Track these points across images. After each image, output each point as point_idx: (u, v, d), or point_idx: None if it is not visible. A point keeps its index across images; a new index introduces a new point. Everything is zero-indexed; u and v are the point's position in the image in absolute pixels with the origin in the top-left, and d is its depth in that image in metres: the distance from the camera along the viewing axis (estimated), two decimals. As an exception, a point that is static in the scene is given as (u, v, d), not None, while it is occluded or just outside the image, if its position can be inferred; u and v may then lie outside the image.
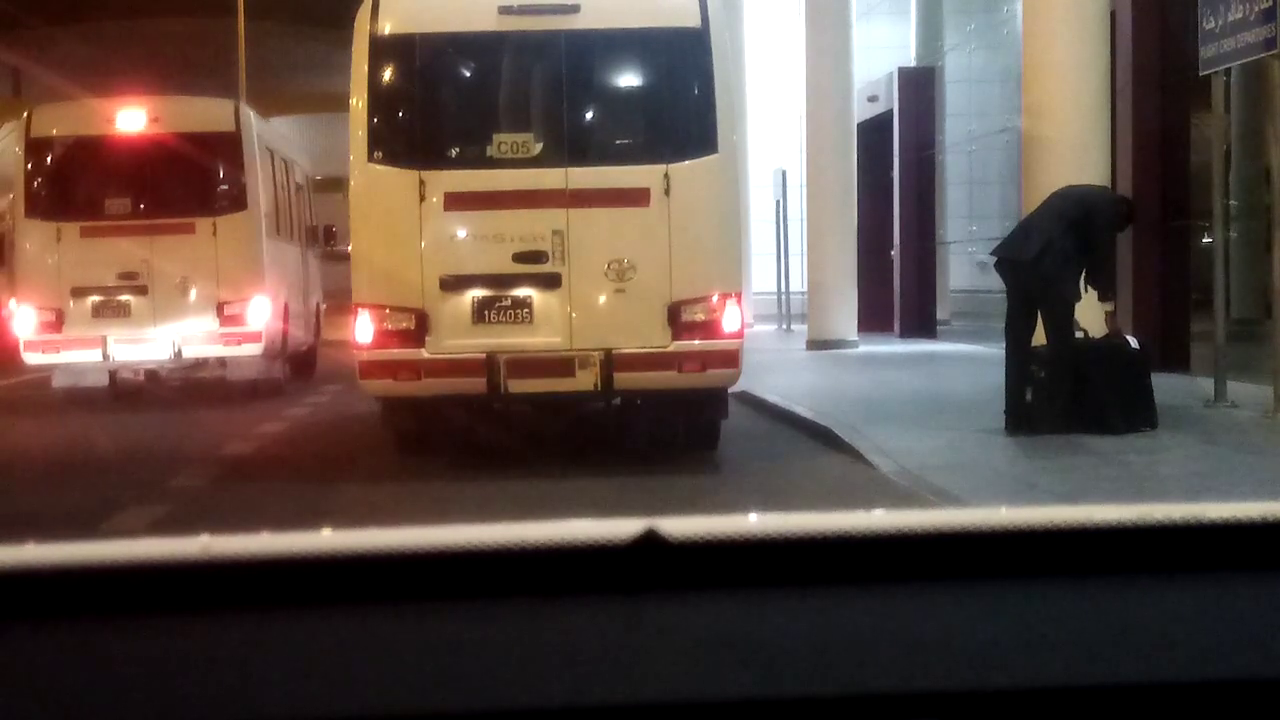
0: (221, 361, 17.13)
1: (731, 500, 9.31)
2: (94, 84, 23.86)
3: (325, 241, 20.81)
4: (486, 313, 10.56)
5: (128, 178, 16.91)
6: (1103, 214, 11.61)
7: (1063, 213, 11.46)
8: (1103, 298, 11.61)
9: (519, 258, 10.49)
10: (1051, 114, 12.72)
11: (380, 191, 10.72)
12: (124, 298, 16.61)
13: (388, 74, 10.79)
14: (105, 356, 16.61)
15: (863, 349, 22.05)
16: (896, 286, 25.00)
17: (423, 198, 10.52)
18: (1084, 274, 11.51)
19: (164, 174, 16.90)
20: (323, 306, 21.54)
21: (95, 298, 16.56)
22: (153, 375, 18.10)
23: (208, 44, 37.80)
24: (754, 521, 1.33)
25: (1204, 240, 16.53)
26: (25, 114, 17.53)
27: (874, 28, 28.87)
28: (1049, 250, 11.30)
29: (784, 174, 28.03)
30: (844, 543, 1.31)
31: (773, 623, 1.25)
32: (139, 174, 16.86)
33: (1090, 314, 12.04)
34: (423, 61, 10.91)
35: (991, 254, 12.25)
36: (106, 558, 1.27)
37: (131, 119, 16.99)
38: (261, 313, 16.78)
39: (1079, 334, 11.62)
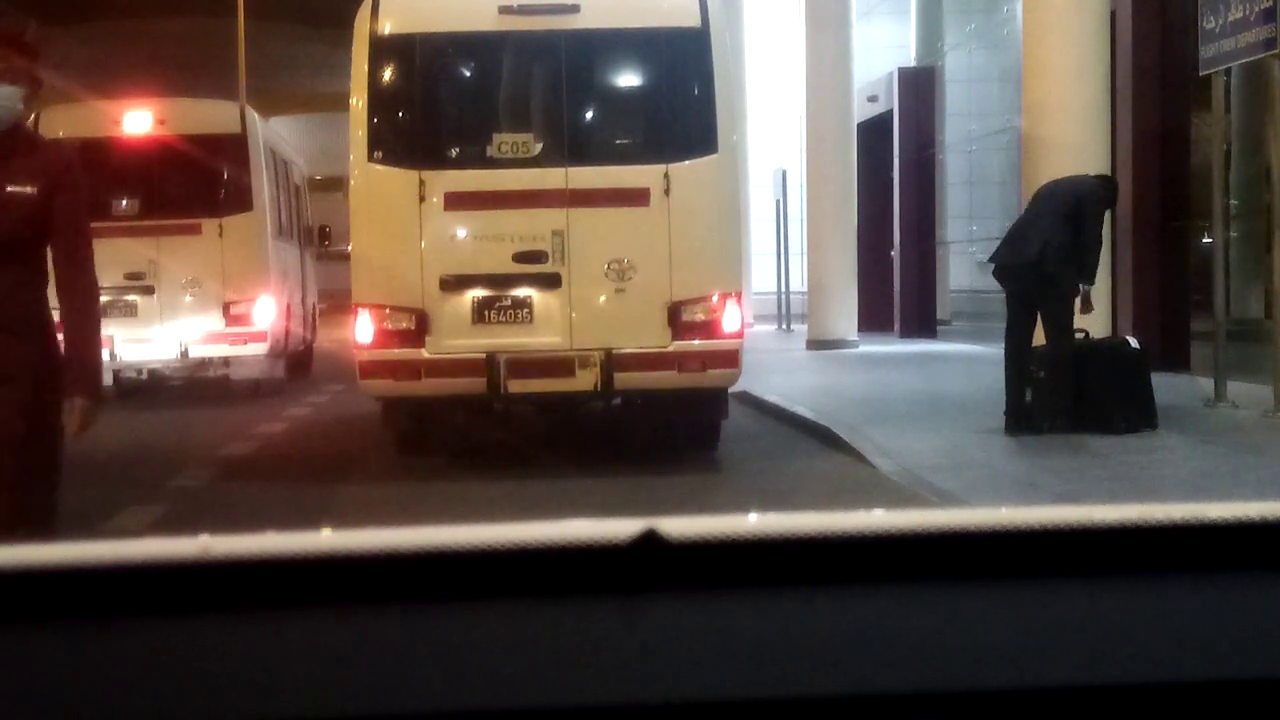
0: (225, 361, 17.19)
1: (731, 500, 9.31)
2: (94, 84, 23.85)
3: (320, 241, 20.87)
4: (486, 313, 10.56)
5: (134, 179, 16.98)
6: (1092, 200, 11.58)
7: (1055, 209, 11.45)
8: (1086, 280, 11.57)
9: (519, 258, 10.50)
10: (1051, 114, 12.74)
11: (380, 191, 10.72)
12: (131, 298, 16.68)
13: (388, 74, 10.79)
14: (112, 356, 16.67)
15: (863, 349, 22.05)
16: (896, 286, 25.01)
17: (423, 198, 10.52)
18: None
19: (170, 175, 16.98)
20: (319, 306, 21.60)
21: (102, 298, 16.57)
22: (156, 374, 18.14)
23: (207, 44, 37.79)
24: (754, 521, 1.33)
25: (1204, 240, 16.53)
26: (33, 116, 17.55)
27: (874, 28, 28.86)
28: (1048, 249, 11.31)
29: (784, 174, 28.03)
30: (844, 543, 1.30)
31: (773, 623, 1.25)
32: (145, 175, 16.93)
33: (1090, 314, 12.04)
34: (423, 61, 10.91)
35: (989, 261, 12.22)
36: (106, 558, 1.27)
37: (138, 121, 17.07)
38: (267, 312, 16.87)
39: (1079, 334, 11.63)
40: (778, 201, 28.12)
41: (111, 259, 16.56)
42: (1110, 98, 14.34)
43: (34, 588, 1.24)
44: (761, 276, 29.29)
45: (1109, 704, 1.19)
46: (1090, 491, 9.03)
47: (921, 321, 24.75)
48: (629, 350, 10.52)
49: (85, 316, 5.49)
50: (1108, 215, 13.47)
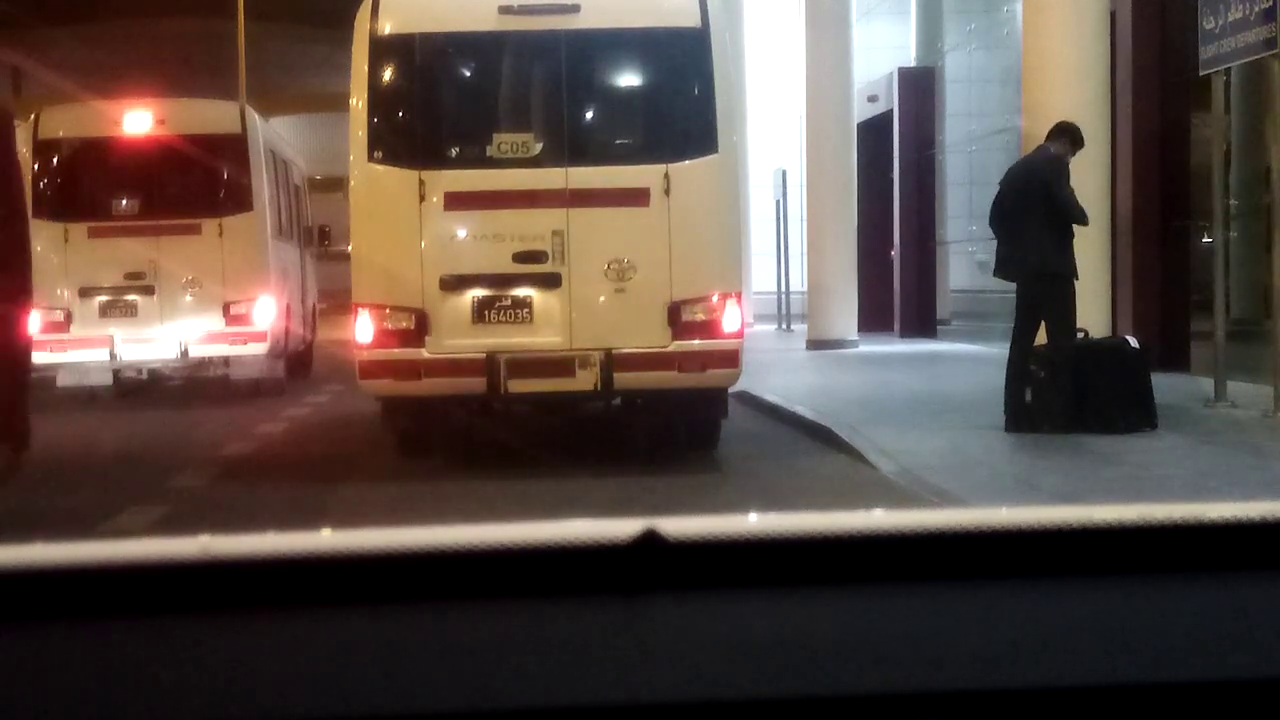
0: (225, 361, 17.21)
1: (731, 500, 9.31)
2: (94, 84, 23.88)
3: (320, 241, 20.87)
4: (486, 312, 10.56)
5: (134, 179, 17.02)
6: (1056, 174, 11.50)
7: (1034, 206, 11.42)
8: (1083, 222, 11.51)
9: (519, 257, 10.49)
10: (1051, 114, 12.71)
11: (380, 191, 10.72)
12: (131, 297, 16.70)
13: (388, 74, 10.79)
14: (112, 356, 16.69)
15: (863, 349, 22.05)
16: (896, 286, 25.01)
17: (423, 197, 10.52)
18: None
19: (170, 175, 17.01)
20: (319, 306, 21.61)
21: (102, 297, 16.65)
22: (156, 374, 18.15)
23: (208, 44, 37.80)
24: (754, 521, 1.33)
25: (1204, 240, 16.52)
26: (33, 116, 17.58)
27: (874, 28, 28.85)
28: (1046, 249, 11.33)
29: (784, 174, 28.03)
30: (844, 543, 1.31)
31: (772, 622, 1.25)
32: (146, 175, 16.96)
33: (1090, 314, 12.05)
34: (423, 61, 10.91)
35: (996, 275, 12.26)
36: (106, 558, 1.27)
37: (138, 121, 17.09)
38: (267, 312, 16.88)
39: (1079, 334, 11.64)
40: (778, 201, 28.12)
41: (111, 259, 16.62)
42: (1110, 98, 14.33)
43: (34, 588, 1.24)
44: (761, 276, 29.27)
45: (1109, 704, 1.19)
46: (1090, 491, 9.03)
47: (921, 321, 24.74)
48: (629, 350, 10.52)
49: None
50: (1106, 214, 13.48)
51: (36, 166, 17.02)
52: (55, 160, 17.18)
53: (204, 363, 17.46)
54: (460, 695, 1.16)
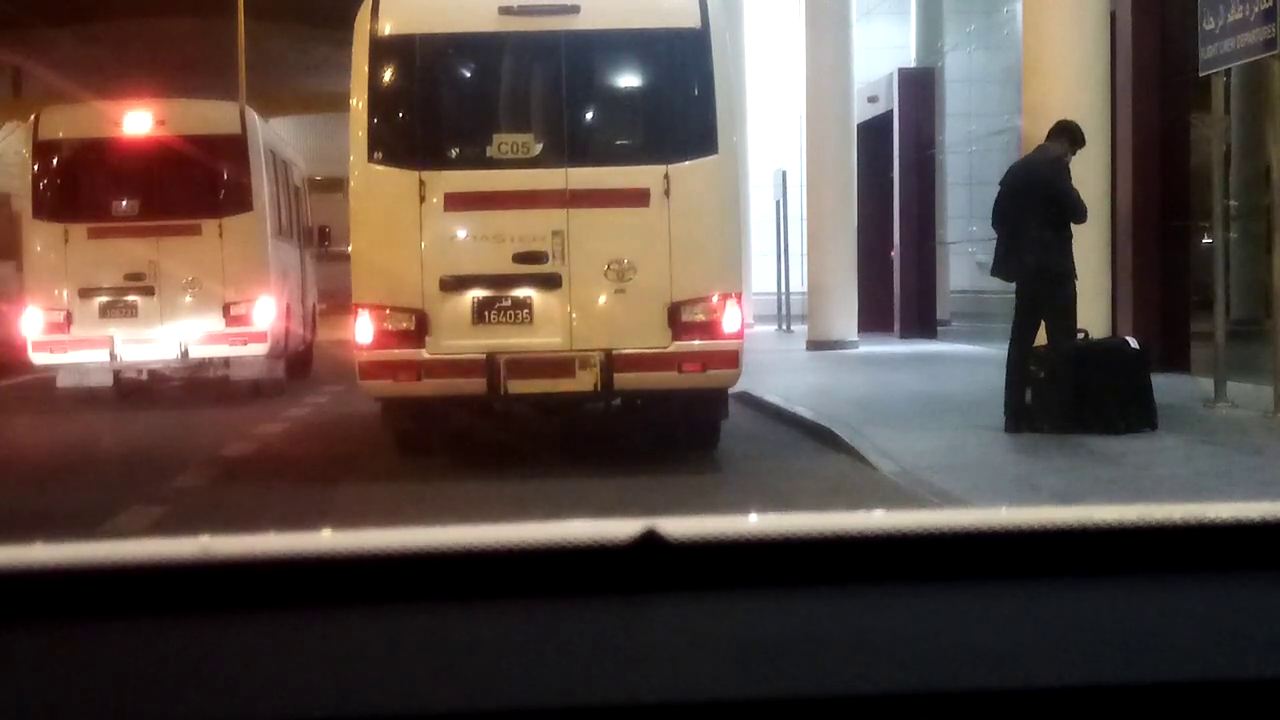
0: (225, 361, 17.21)
1: (731, 500, 9.31)
2: (94, 84, 23.89)
3: (320, 241, 20.87)
4: (486, 313, 10.56)
5: (134, 180, 17.02)
6: (1058, 173, 11.50)
7: (1036, 206, 11.42)
8: (1081, 220, 11.51)
9: (519, 258, 10.50)
10: (1051, 114, 12.72)
11: (380, 192, 10.72)
12: (131, 298, 16.71)
13: (388, 74, 10.79)
14: (113, 357, 16.69)
15: (863, 349, 22.05)
16: (896, 286, 25.01)
17: (423, 198, 10.52)
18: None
19: (170, 176, 17.00)
20: (319, 306, 21.61)
21: (102, 298, 16.65)
22: (156, 375, 18.15)
23: (208, 44, 37.79)
24: (754, 521, 1.33)
25: (1204, 240, 16.52)
26: (33, 116, 17.58)
27: (874, 28, 28.86)
28: (1047, 252, 11.33)
29: (784, 174, 28.04)
30: (844, 543, 1.31)
31: (773, 623, 1.25)
32: (145, 176, 16.96)
33: (1090, 314, 12.05)
34: (423, 62, 10.91)
35: (994, 275, 12.26)
36: (106, 558, 1.27)
37: (138, 121, 17.09)
38: (267, 313, 16.88)
39: (1079, 334, 11.64)
40: (778, 201, 28.12)
41: (111, 259, 16.63)
42: (1110, 98, 14.33)
43: (34, 588, 1.24)
44: (761, 276, 29.28)
45: (1108, 704, 1.19)
46: (1090, 491, 9.03)
47: (921, 322, 24.74)
48: (629, 350, 10.52)
49: None
50: (1106, 214, 13.49)
51: (36, 167, 17.04)
52: (55, 161, 17.19)
53: (204, 363, 17.46)
54: (460, 695, 1.16)
